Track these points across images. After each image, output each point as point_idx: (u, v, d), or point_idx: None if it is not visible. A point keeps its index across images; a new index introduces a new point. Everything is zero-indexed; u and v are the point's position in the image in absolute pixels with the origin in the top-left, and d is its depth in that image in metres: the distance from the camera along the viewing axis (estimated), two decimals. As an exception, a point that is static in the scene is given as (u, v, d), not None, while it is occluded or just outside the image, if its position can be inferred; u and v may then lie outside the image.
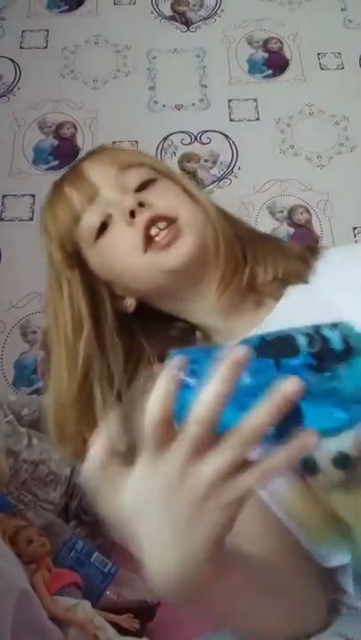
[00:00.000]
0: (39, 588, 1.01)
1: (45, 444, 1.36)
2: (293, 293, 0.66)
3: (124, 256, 0.64)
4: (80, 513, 1.33)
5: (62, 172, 1.85)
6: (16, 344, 1.62)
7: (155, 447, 0.37)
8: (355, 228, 1.78)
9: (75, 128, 1.97)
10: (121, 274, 0.66)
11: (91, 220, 0.65)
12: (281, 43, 2.13)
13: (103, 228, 0.65)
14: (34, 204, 1.82)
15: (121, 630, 1.07)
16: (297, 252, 0.70)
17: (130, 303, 0.68)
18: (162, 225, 0.63)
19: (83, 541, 1.24)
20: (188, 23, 2.18)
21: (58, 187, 0.71)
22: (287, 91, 2.04)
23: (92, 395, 0.65)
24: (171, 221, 0.63)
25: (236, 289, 0.65)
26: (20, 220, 1.80)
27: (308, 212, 1.81)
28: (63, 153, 1.93)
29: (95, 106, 2.00)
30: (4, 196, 1.84)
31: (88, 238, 0.66)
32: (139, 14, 2.19)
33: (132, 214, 0.63)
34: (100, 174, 0.67)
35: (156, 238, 0.62)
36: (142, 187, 0.66)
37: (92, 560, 1.21)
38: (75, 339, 0.65)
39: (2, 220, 1.81)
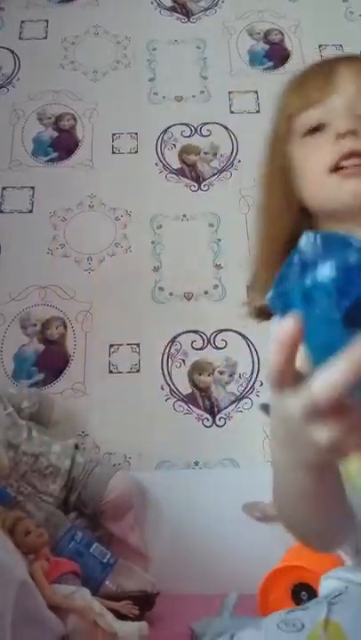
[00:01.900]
0: (37, 577, 1.02)
1: (45, 436, 1.36)
2: None
3: (313, 166, 0.69)
4: (80, 505, 1.34)
5: (62, 164, 1.90)
6: (15, 337, 1.63)
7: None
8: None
9: (74, 119, 1.96)
10: (304, 184, 0.71)
11: (310, 117, 0.70)
12: (282, 34, 2.12)
13: (316, 129, 0.69)
14: (33, 197, 1.82)
15: (120, 617, 1.08)
16: None
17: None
18: (356, 161, 0.66)
19: (82, 532, 1.25)
20: (188, 14, 2.17)
21: (310, 70, 0.74)
22: (288, 83, 2.03)
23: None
24: None
25: None
26: (20, 213, 1.80)
27: (308, 205, 1.81)
28: (63, 145, 1.92)
29: (95, 97, 1.99)
30: (4, 188, 1.83)
31: (299, 131, 0.71)
32: (139, 5, 2.17)
33: (342, 136, 0.67)
34: (346, 84, 0.70)
35: (345, 168, 0.67)
36: None
37: (91, 551, 1.22)
38: (284, 208, 0.72)
39: (1, 212, 1.80)
